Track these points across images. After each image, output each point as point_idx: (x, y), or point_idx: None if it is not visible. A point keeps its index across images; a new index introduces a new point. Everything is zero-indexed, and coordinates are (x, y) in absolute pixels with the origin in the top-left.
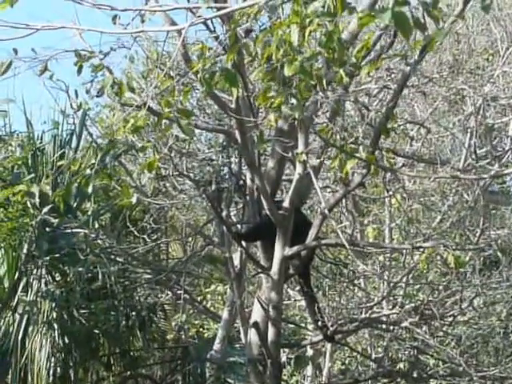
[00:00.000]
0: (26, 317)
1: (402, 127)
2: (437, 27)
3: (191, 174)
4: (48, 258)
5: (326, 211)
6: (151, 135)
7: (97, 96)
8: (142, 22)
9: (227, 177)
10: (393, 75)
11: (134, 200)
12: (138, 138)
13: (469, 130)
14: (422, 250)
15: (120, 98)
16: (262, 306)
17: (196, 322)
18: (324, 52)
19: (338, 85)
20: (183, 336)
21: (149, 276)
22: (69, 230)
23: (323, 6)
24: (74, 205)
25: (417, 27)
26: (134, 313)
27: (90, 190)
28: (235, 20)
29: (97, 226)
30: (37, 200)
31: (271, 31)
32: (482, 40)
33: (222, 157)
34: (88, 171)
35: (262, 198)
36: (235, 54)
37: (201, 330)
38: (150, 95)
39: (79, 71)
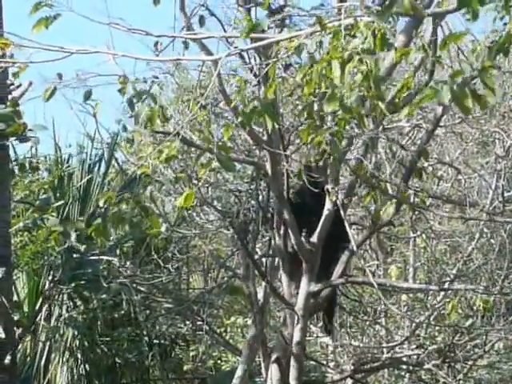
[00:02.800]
0: (47, 343)
1: (431, 167)
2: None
3: (218, 205)
4: (73, 284)
5: (355, 248)
6: (178, 164)
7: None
8: (186, 48)
9: (255, 209)
10: (424, 113)
11: (163, 229)
12: (164, 165)
13: (497, 173)
14: (449, 292)
15: (151, 126)
16: (284, 341)
17: (214, 354)
18: (364, 90)
19: (378, 119)
20: (199, 367)
21: (169, 305)
22: (94, 257)
23: (363, 43)
24: None
25: (475, 100)
26: (156, 341)
27: (126, 226)
28: (276, 54)
29: (118, 252)
30: (73, 240)
31: (311, 65)
32: None
33: (251, 189)
34: (124, 206)
35: (289, 231)
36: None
37: (219, 362)
38: (183, 125)
39: (131, 105)
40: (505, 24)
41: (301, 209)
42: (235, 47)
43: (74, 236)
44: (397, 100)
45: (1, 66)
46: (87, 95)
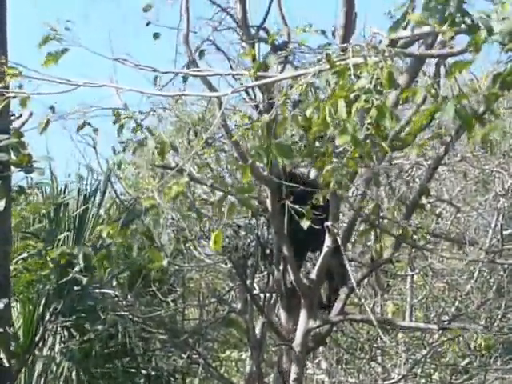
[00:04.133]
0: (43, 374)
1: (430, 205)
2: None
3: None
4: (73, 316)
5: (354, 285)
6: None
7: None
8: (184, 81)
9: (254, 244)
10: (424, 151)
11: (164, 264)
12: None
13: (496, 211)
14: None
15: (162, 159)
16: (282, 377)
17: None
18: (371, 128)
19: (380, 157)
20: None
21: (163, 337)
22: (94, 290)
23: (370, 82)
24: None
25: (477, 121)
26: (154, 372)
27: (134, 253)
28: (285, 92)
29: (115, 284)
30: (81, 263)
31: (317, 105)
32: None
33: (250, 223)
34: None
35: (288, 267)
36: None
37: None
38: (188, 160)
39: (120, 132)
40: (510, 56)
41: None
42: (240, 83)
43: (81, 260)
44: (400, 137)
45: (7, 97)
46: (81, 127)
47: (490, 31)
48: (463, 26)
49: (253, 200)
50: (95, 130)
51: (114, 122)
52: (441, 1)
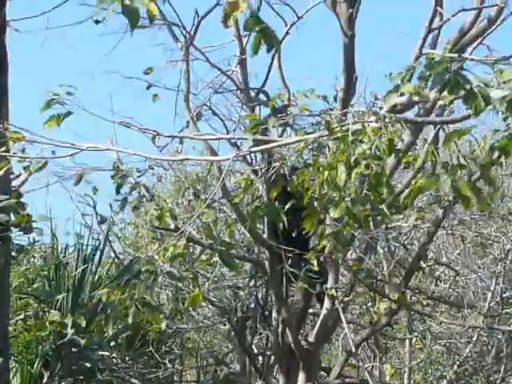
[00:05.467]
0: None
1: (428, 268)
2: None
3: (214, 299)
4: (71, 378)
5: (353, 349)
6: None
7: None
8: (181, 143)
9: (253, 306)
10: (423, 214)
11: (163, 326)
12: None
13: (495, 275)
14: None
15: (161, 223)
16: None
17: None
18: (370, 194)
19: (379, 221)
20: None
21: None
22: (93, 352)
23: (370, 149)
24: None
25: (473, 193)
26: None
27: (130, 320)
28: (283, 157)
29: (113, 344)
30: (69, 331)
31: (317, 170)
32: None
33: (249, 286)
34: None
35: (287, 330)
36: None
37: None
38: (190, 224)
39: (118, 191)
40: (508, 125)
41: None
42: (236, 145)
43: (71, 329)
44: (400, 202)
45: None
46: (78, 180)
47: (487, 100)
48: (461, 92)
49: (233, 259)
50: (95, 190)
51: (113, 177)
52: (439, 69)
